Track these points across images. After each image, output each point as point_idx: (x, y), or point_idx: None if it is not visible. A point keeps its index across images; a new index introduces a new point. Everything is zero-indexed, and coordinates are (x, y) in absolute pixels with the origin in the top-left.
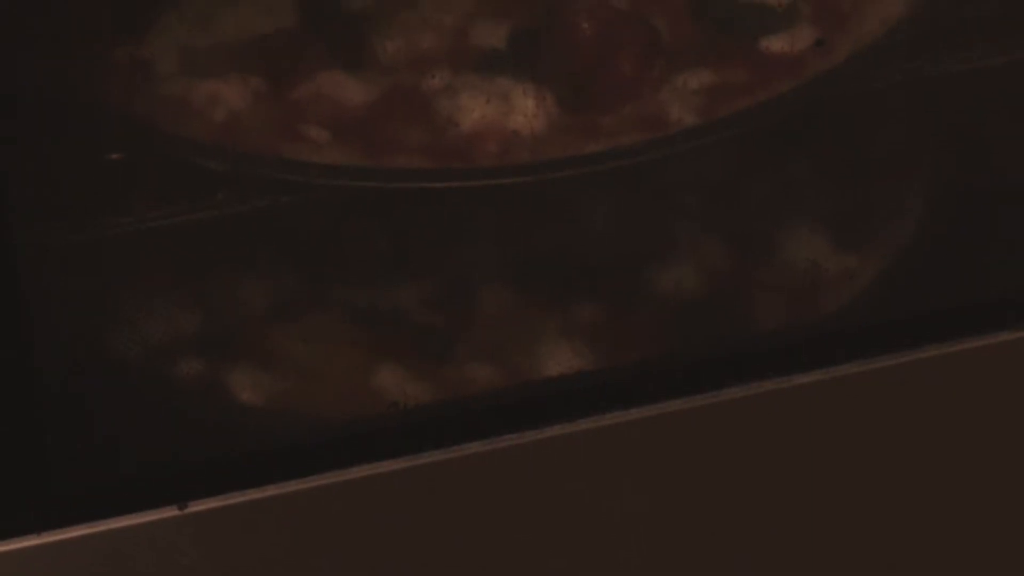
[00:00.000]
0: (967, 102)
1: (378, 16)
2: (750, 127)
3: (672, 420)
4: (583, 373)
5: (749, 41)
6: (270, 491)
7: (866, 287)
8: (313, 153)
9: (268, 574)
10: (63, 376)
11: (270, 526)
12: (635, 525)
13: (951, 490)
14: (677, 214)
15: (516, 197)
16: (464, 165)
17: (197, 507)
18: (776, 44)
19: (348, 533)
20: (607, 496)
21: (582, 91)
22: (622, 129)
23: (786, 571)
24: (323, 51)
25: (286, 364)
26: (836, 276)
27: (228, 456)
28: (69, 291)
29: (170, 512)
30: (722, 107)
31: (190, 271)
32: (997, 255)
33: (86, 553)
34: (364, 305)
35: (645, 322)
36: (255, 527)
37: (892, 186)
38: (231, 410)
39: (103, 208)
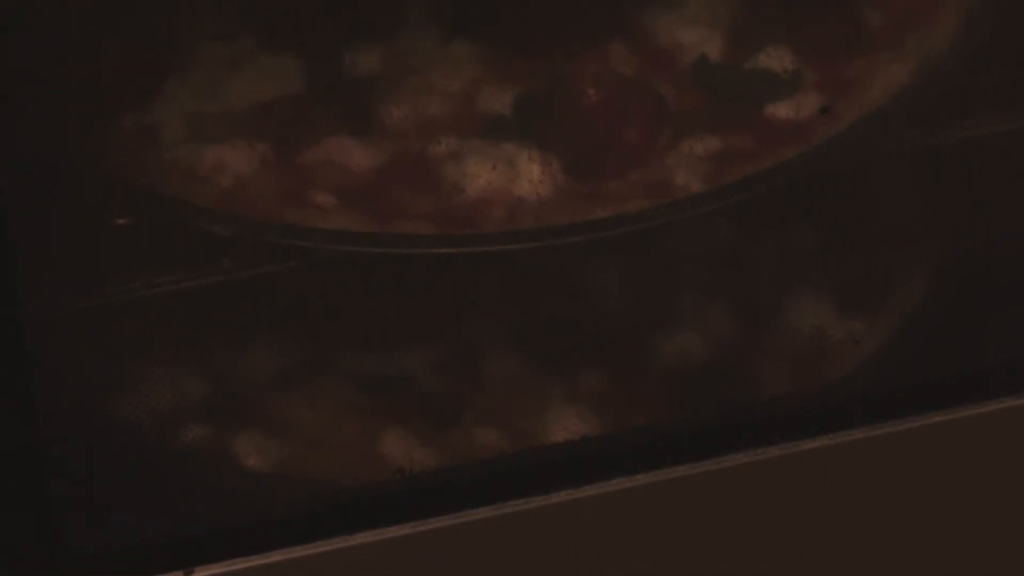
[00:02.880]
0: (972, 169)
1: (384, 82)
2: (756, 193)
3: (678, 486)
4: (589, 439)
5: (755, 108)
6: (275, 557)
7: (871, 353)
8: (319, 219)
9: None
10: (69, 442)
11: None
12: None
13: (957, 556)
14: (683, 280)
15: (522, 263)
16: (470, 231)
17: (203, 573)
18: (781, 111)
19: None
20: (613, 562)
21: (588, 157)
22: (628, 195)
23: None
24: (329, 117)
25: (292, 430)
26: (841, 342)
27: (234, 522)
28: (75, 357)
29: None
30: (728, 173)
31: (196, 337)
32: (1002, 321)
33: None
34: (370, 371)
35: (651, 388)
36: None
37: (897, 252)
38: (237, 476)
39: (109, 274)
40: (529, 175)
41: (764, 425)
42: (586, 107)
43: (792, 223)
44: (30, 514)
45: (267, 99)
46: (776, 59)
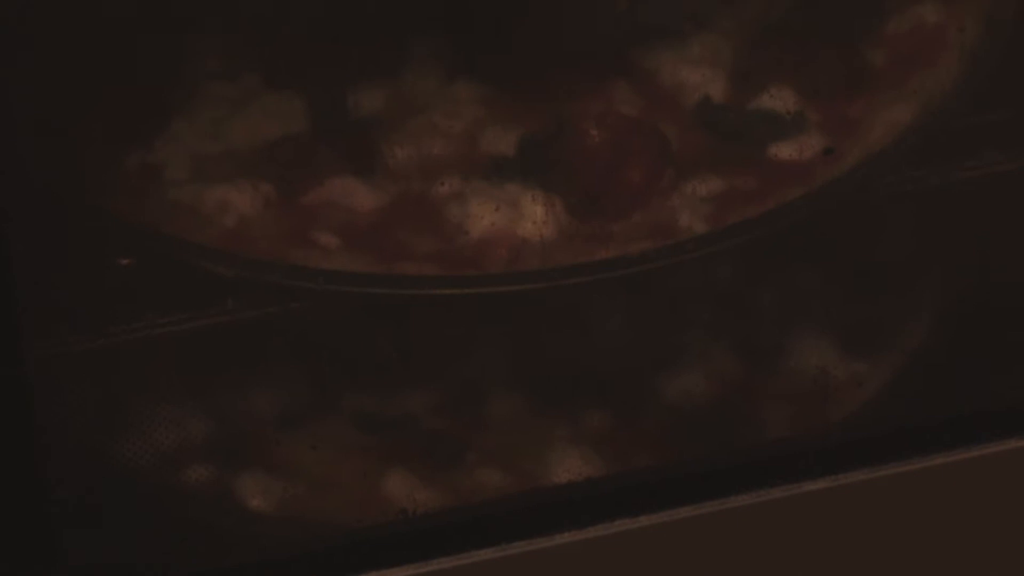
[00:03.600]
0: (976, 209)
1: (388, 122)
2: (759, 234)
3: (681, 527)
4: (592, 480)
5: (758, 148)
6: None
7: (875, 394)
8: (323, 259)
9: None
10: (72, 481)
11: None
12: None
13: None
14: (686, 321)
15: (525, 304)
16: (474, 272)
17: None
18: (785, 151)
19: None
20: None
21: (592, 198)
22: (632, 236)
23: None
24: (333, 157)
25: (295, 470)
26: (845, 383)
27: (236, 562)
28: (79, 397)
29: None
30: (731, 214)
31: (199, 377)
32: (1006, 362)
33: None
34: (373, 411)
35: (654, 429)
36: None
37: (901, 293)
38: (240, 516)
39: (112, 314)
40: (533, 216)
41: (767, 466)
42: (589, 148)
43: (795, 263)
44: (33, 553)
45: (271, 139)
46: (779, 100)
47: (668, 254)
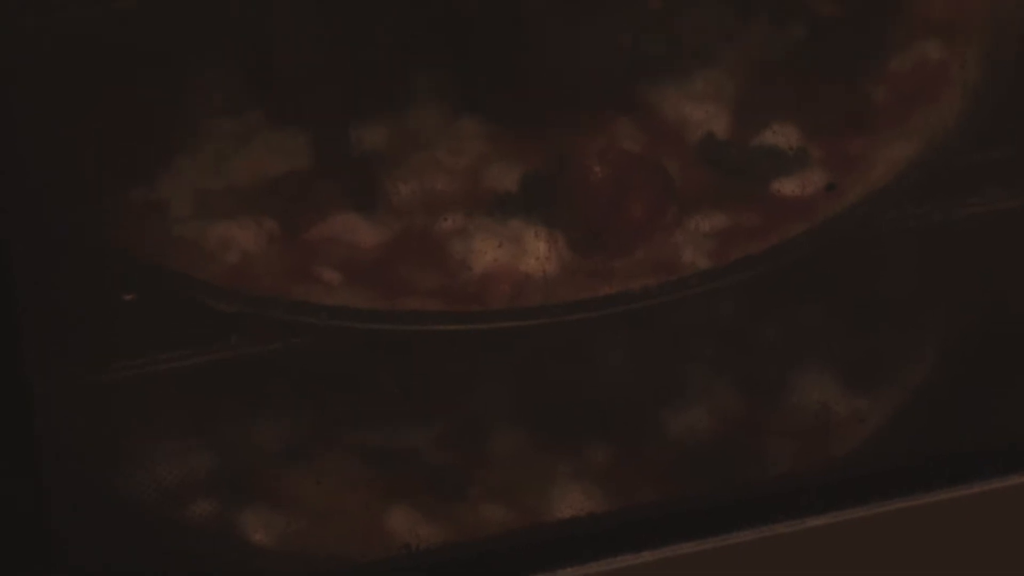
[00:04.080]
0: (978, 245)
1: (391, 158)
2: (762, 270)
3: (684, 563)
4: (595, 515)
5: (760, 185)
6: None
7: (877, 430)
8: (326, 295)
9: None
10: (76, 516)
11: None
12: None
13: None
14: (689, 357)
15: (529, 339)
16: (477, 308)
17: None
18: (787, 187)
19: None
20: None
21: (594, 234)
22: (634, 272)
23: None
24: (336, 193)
25: (298, 505)
26: (847, 419)
27: None
28: (82, 432)
29: None
30: (734, 250)
31: (203, 412)
32: (1009, 398)
33: None
34: (377, 446)
35: (657, 464)
36: None
37: (904, 329)
38: (243, 551)
39: (116, 349)
40: (536, 252)
41: (770, 502)
42: (592, 184)
43: (798, 299)
44: None
45: (274, 175)
46: (782, 136)
47: (671, 290)
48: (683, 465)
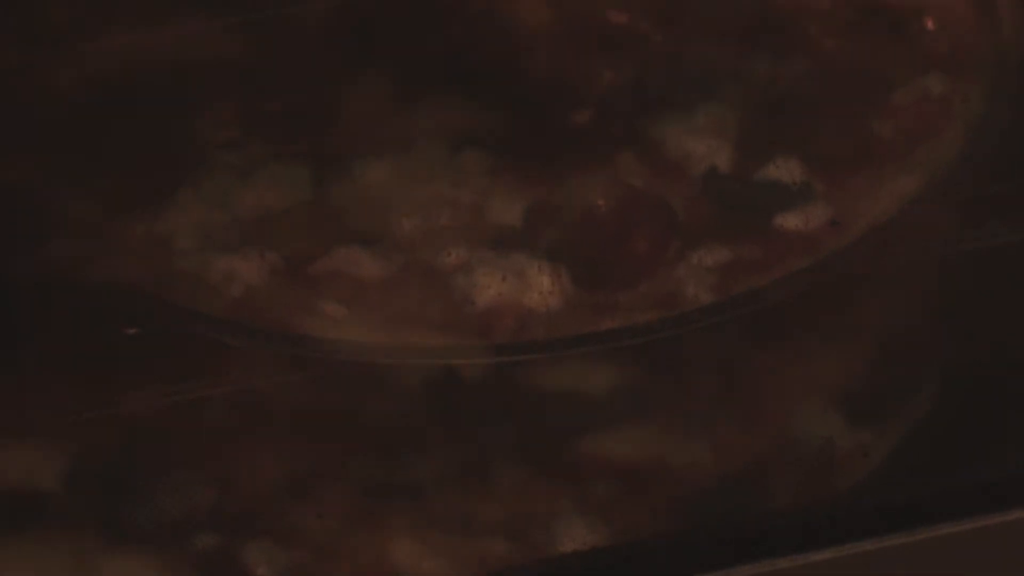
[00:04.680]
0: (981, 280)
1: (395, 192)
2: (765, 304)
3: None
4: (598, 550)
5: (764, 219)
6: None
7: (881, 464)
8: (329, 329)
9: None
10: None
11: None
12: None
13: None
14: (691, 390)
15: (532, 373)
16: (480, 342)
17: None
18: (791, 221)
19: None
20: None
21: (598, 269)
22: (638, 306)
23: None
24: (339, 226)
25: (301, 539)
26: (850, 452)
27: None
28: (84, 465)
29: None
30: (737, 284)
31: (205, 446)
32: (1013, 431)
33: None
34: (379, 480)
35: (659, 499)
36: None
37: (907, 363)
38: None
39: (118, 383)
40: (539, 286)
41: (773, 536)
42: (595, 218)
43: (802, 333)
44: None
45: (278, 208)
46: (785, 170)
47: (674, 324)
48: (686, 499)
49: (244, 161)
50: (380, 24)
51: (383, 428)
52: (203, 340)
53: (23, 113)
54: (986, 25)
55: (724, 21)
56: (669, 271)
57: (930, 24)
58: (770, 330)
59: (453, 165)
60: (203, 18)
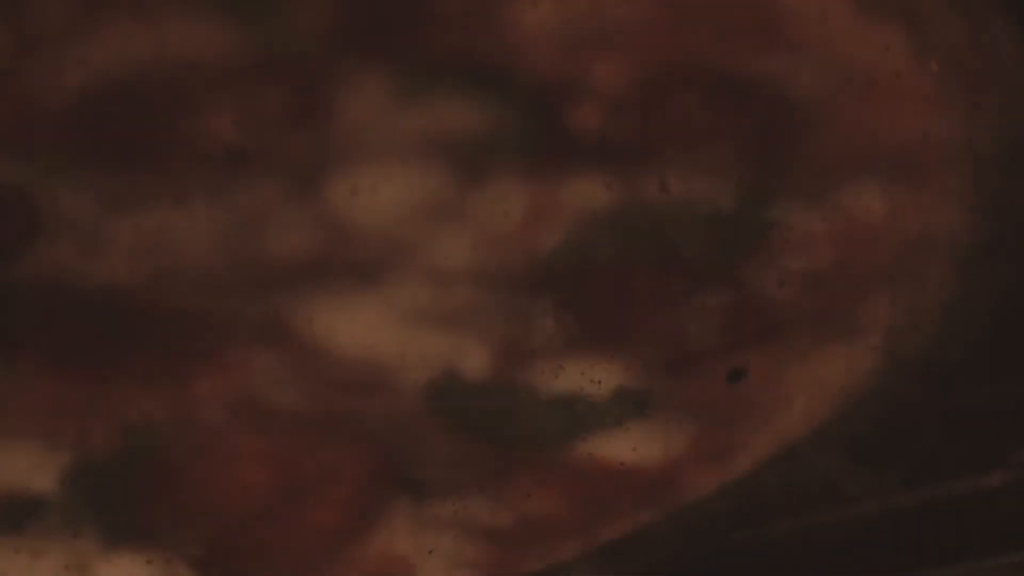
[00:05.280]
0: None
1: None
2: None
3: None
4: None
5: None
6: None
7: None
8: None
9: None
10: None
11: None
12: None
13: None
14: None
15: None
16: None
17: None
18: None
19: None
20: None
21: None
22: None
23: None
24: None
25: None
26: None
27: None
28: None
29: None
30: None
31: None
32: None
33: None
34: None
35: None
36: None
37: None
38: None
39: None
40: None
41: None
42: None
43: None
44: None
45: None
46: None
47: None
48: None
49: (244, 161)
50: (380, 24)
51: (383, 428)
52: (202, 340)
53: (21, 113)
54: None
55: None
56: None
57: None
58: None
59: (453, 165)
60: (203, 18)
